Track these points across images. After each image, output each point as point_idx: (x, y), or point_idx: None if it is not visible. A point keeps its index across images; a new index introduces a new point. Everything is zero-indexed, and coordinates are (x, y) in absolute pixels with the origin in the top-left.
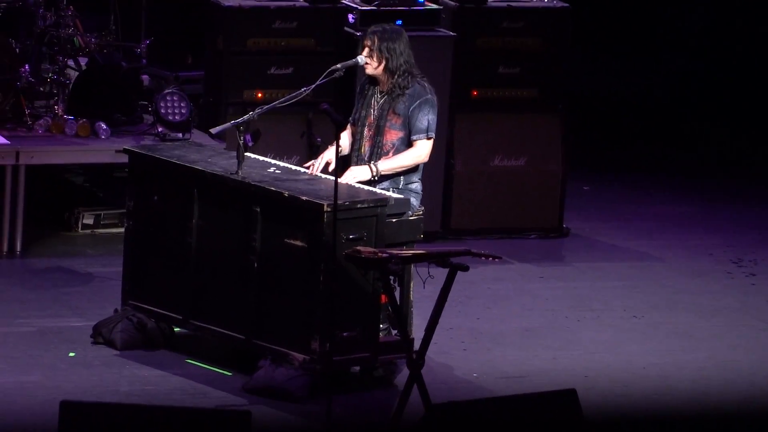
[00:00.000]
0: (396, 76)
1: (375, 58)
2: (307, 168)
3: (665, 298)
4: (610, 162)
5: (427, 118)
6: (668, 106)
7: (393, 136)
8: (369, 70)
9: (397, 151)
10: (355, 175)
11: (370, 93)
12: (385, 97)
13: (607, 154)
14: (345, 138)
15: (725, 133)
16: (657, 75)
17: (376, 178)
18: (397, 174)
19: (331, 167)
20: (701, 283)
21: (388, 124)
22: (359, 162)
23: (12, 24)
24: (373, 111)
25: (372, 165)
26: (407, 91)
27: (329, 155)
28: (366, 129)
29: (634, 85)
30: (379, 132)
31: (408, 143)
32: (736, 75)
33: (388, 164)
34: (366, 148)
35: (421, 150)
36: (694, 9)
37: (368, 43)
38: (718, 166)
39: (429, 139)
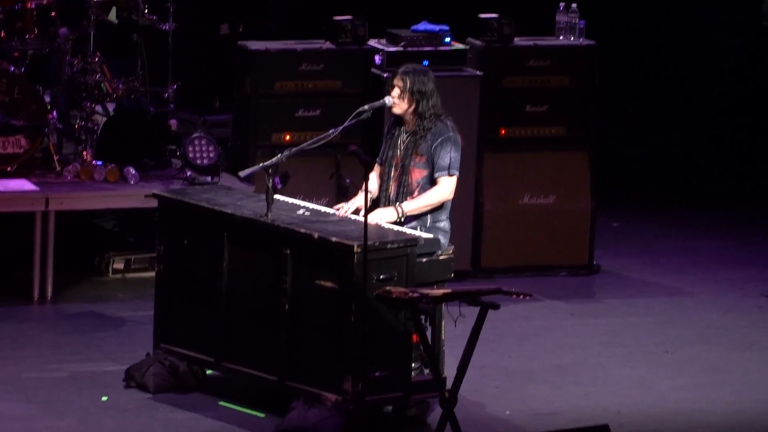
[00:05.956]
0: (423, 119)
1: (406, 101)
2: (337, 210)
3: (696, 333)
4: (639, 198)
5: (449, 155)
6: (698, 142)
7: (418, 175)
8: (397, 111)
9: (423, 190)
10: (381, 216)
11: (396, 133)
12: (411, 137)
13: (635, 190)
14: (374, 181)
15: (756, 168)
16: (686, 111)
17: (402, 219)
18: (424, 213)
19: (361, 213)
20: (732, 318)
21: (412, 163)
22: (386, 202)
23: (39, 71)
24: (399, 151)
25: (397, 207)
26: (430, 131)
27: (359, 201)
28: (393, 169)
29: (663, 121)
30: (404, 172)
31: (433, 181)
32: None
33: (413, 204)
34: (393, 188)
35: (444, 187)
36: (725, 47)
37: (399, 83)
38: (748, 201)
39: (451, 176)
